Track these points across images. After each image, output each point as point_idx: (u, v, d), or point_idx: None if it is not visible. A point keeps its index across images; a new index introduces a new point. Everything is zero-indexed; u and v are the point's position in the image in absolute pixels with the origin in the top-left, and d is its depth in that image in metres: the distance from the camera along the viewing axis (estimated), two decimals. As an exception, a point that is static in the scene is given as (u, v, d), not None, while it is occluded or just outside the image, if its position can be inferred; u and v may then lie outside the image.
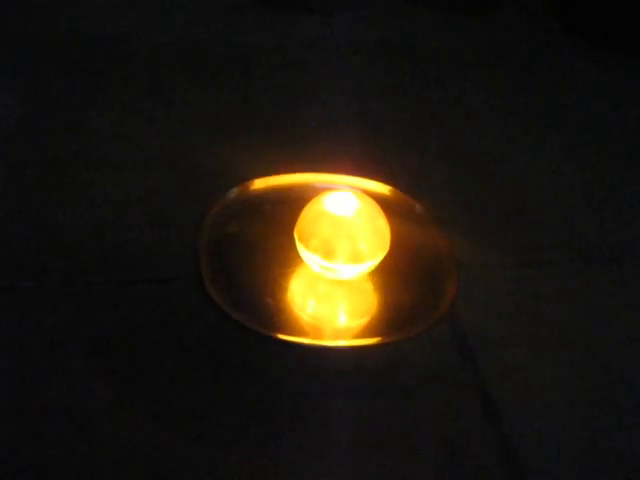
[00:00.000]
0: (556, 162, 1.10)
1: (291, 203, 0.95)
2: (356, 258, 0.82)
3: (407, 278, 0.88)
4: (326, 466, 0.73)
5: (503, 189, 1.04)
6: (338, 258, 0.82)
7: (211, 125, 1.11)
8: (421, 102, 1.18)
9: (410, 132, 1.11)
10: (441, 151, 1.09)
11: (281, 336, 0.80)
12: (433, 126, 1.14)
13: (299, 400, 0.77)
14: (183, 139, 1.08)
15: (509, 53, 1.33)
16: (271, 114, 1.14)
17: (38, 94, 1.13)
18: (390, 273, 0.87)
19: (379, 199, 0.93)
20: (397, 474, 0.73)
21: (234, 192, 0.94)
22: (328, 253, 0.82)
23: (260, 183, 0.96)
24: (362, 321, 0.84)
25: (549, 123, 1.18)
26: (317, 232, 0.82)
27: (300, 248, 0.84)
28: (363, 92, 1.20)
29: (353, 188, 0.96)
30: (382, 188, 0.96)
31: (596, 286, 0.92)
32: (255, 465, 0.72)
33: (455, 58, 1.31)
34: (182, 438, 0.73)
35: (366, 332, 0.83)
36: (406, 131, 1.11)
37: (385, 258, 0.85)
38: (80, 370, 0.78)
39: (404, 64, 1.27)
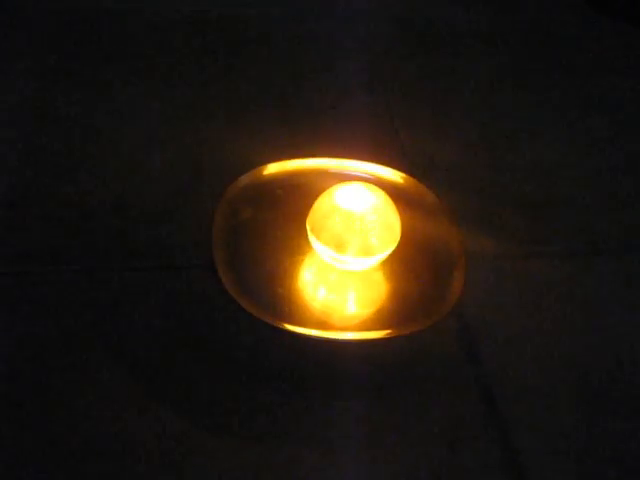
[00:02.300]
0: (575, 147, 1.09)
1: (304, 188, 0.96)
2: (366, 251, 0.83)
3: (417, 268, 0.89)
4: (329, 458, 0.75)
5: (518, 175, 1.03)
6: (349, 251, 0.83)
7: (225, 106, 1.11)
8: (436, 79, 1.17)
9: (424, 112, 1.11)
10: (456, 133, 1.08)
11: (290, 327, 0.81)
12: (448, 105, 1.13)
13: (305, 392, 0.79)
14: (196, 121, 1.08)
15: (528, 29, 1.31)
16: (284, 91, 1.13)
17: (51, 72, 1.13)
18: (400, 263, 0.88)
19: (391, 187, 0.95)
20: (398, 468, 0.75)
21: (248, 177, 0.95)
22: (339, 246, 0.83)
23: (273, 168, 0.97)
24: (370, 313, 0.86)
25: (568, 105, 1.16)
26: (329, 226, 0.83)
27: (312, 239, 0.85)
28: (377, 68, 1.19)
29: (366, 176, 0.97)
30: (395, 175, 0.97)
31: (607, 280, 0.92)
32: (258, 456, 0.74)
33: (473, 33, 1.29)
34: (187, 426, 0.75)
35: (374, 324, 0.84)
36: (420, 111, 1.11)
37: (396, 248, 0.86)
38: (86, 357, 0.80)
39: (420, 39, 1.26)
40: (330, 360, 0.81)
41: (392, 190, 0.94)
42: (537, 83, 1.20)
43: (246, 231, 0.91)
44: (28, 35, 1.19)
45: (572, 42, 1.31)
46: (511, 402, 0.80)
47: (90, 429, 0.74)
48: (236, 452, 0.74)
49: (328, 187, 0.92)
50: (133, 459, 0.73)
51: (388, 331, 0.82)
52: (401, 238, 0.86)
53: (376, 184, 0.95)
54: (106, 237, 0.90)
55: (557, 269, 0.93)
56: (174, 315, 0.84)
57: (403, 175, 0.97)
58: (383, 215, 0.84)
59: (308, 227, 0.85)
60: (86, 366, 0.79)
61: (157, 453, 0.73)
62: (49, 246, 0.89)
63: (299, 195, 0.94)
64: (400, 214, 0.87)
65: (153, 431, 0.75)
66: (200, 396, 0.78)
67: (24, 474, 0.71)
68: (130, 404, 0.76)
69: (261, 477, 0.73)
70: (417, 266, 0.89)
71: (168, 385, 0.79)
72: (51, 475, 0.71)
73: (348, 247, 0.83)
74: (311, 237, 0.85)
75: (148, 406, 0.77)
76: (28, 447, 0.72)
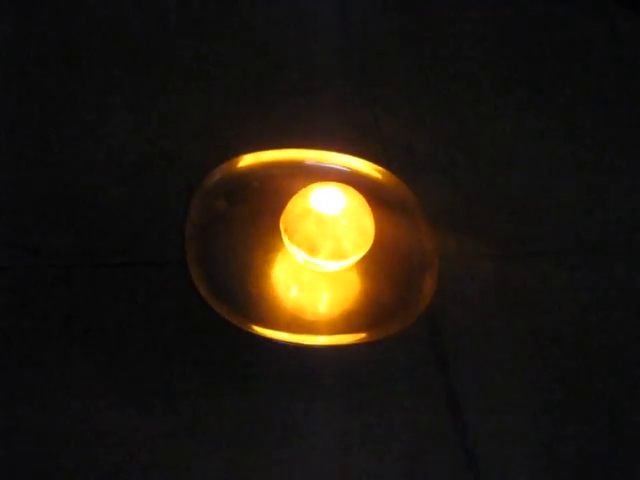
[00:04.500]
0: (558, 144, 1.07)
1: (280, 180, 0.95)
2: (339, 255, 0.83)
3: (390, 270, 0.89)
4: (294, 461, 0.76)
5: (499, 171, 1.01)
6: (321, 254, 0.83)
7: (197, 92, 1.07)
8: (421, 67, 1.14)
9: (405, 101, 1.09)
10: (437, 125, 1.06)
11: (260, 329, 0.81)
12: (429, 96, 1.10)
13: (272, 396, 0.79)
14: (168, 110, 1.04)
15: (519, 16, 1.26)
16: (260, 76, 1.10)
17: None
18: (373, 263, 0.88)
19: (368, 182, 0.94)
20: (364, 474, 0.76)
21: (222, 168, 0.93)
22: (312, 250, 0.82)
23: (249, 159, 0.95)
24: (341, 314, 0.85)
25: (555, 98, 1.13)
26: (302, 228, 0.82)
27: (285, 239, 0.84)
28: (361, 51, 1.16)
29: (343, 169, 0.96)
30: (372, 169, 0.96)
31: (590, 281, 0.92)
32: (222, 460, 0.75)
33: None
34: (155, 426, 0.76)
35: (344, 326, 0.84)
36: (402, 99, 1.09)
37: (370, 248, 0.85)
38: (61, 350, 0.80)
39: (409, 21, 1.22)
40: (298, 363, 0.82)
41: (368, 185, 0.94)
42: (530, 74, 1.16)
43: (220, 226, 0.90)
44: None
45: (561, 31, 1.26)
46: (476, 411, 0.80)
47: (59, 421, 0.75)
48: (199, 455, 0.75)
49: (304, 180, 0.91)
50: (101, 453, 0.74)
51: (359, 336, 0.82)
52: (375, 237, 0.85)
53: (353, 178, 0.95)
54: (76, 231, 0.89)
55: (535, 270, 0.92)
56: (144, 313, 0.84)
57: (381, 169, 0.96)
58: (357, 219, 0.83)
59: (282, 227, 0.84)
60: (56, 361, 0.79)
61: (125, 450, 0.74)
62: (20, 239, 0.88)
63: (275, 187, 0.93)
64: (375, 213, 0.86)
65: (121, 427, 0.75)
66: (165, 396, 0.78)
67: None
68: (98, 399, 0.77)
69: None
70: (390, 267, 0.89)
71: (135, 385, 0.79)
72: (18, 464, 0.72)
73: (320, 250, 0.82)
74: (284, 237, 0.84)
75: (117, 402, 0.77)
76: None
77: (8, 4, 1.10)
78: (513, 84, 1.13)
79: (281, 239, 0.86)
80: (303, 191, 0.85)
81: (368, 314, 0.85)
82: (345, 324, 0.84)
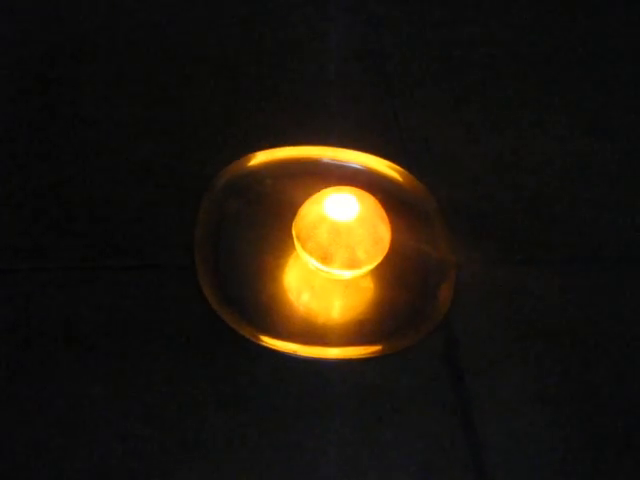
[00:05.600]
0: (582, 144, 1.02)
1: (294, 179, 0.91)
2: (352, 265, 0.80)
3: (405, 277, 0.86)
4: (304, 477, 0.74)
5: (521, 174, 0.97)
6: (334, 264, 0.80)
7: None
8: (440, 54, 1.09)
9: (426, 95, 1.04)
10: (456, 118, 1.02)
11: (269, 340, 0.79)
12: (451, 85, 1.06)
13: (277, 409, 0.77)
14: (177, 105, 0.99)
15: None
16: (273, 66, 1.05)
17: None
18: (389, 270, 0.85)
19: (384, 183, 0.91)
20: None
21: (234, 166, 0.90)
22: (324, 258, 0.79)
23: (262, 157, 0.92)
24: (355, 325, 0.83)
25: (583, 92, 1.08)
26: (315, 236, 0.79)
27: (297, 246, 0.81)
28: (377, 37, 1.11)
29: (360, 167, 0.92)
30: (390, 168, 0.92)
31: (608, 290, 0.89)
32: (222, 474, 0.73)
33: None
34: (155, 439, 0.74)
35: (358, 337, 0.81)
36: (423, 93, 1.04)
37: (385, 254, 0.82)
38: (60, 356, 0.78)
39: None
40: (307, 376, 0.79)
41: (385, 186, 0.91)
42: (555, 73, 1.11)
43: (230, 227, 0.87)
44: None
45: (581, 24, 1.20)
46: (492, 428, 0.78)
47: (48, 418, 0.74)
48: (199, 470, 0.73)
49: (320, 179, 0.88)
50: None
51: (372, 349, 0.80)
52: (391, 243, 0.82)
53: (369, 177, 0.91)
54: (79, 233, 0.86)
55: (555, 278, 0.89)
56: (147, 318, 0.81)
57: (399, 169, 0.93)
58: (372, 226, 0.80)
59: (294, 233, 0.81)
60: (58, 364, 0.77)
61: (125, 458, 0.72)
62: (25, 241, 0.85)
63: (289, 187, 0.90)
64: (391, 216, 0.83)
65: (122, 434, 0.73)
66: (167, 407, 0.76)
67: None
68: (98, 405, 0.75)
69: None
70: (406, 275, 0.86)
71: (136, 395, 0.76)
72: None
73: (333, 259, 0.79)
74: (297, 243, 0.81)
75: (117, 409, 0.75)
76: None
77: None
78: (536, 76, 1.08)
79: (293, 242, 0.83)
80: (317, 196, 0.81)
81: (382, 323, 0.83)
82: (358, 334, 0.82)
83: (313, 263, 0.81)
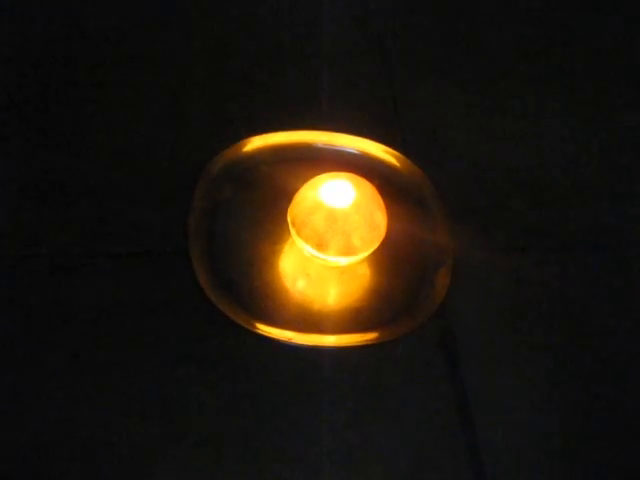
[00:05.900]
0: (584, 130, 1.00)
1: (290, 164, 0.90)
2: (348, 251, 0.79)
3: (402, 265, 0.85)
4: (297, 468, 0.73)
5: (522, 159, 0.96)
6: (330, 250, 0.79)
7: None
8: (441, 41, 1.07)
9: (426, 79, 1.03)
10: (456, 103, 1.00)
11: (264, 327, 0.78)
12: (452, 70, 1.04)
13: (273, 395, 0.76)
14: (171, 92, 0.97)
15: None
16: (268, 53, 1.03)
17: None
18: (386, 257, 0.84)
19: (381, 168, 0.90)
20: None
21: (229, 152, 0.89)
22: (320, 245, 0.78)
23: (257, 142, 0.91)
24: (351, 312, 0.82)
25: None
26: (310, 223, 0.78)
27: (293, 232, 0.81)
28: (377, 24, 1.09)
29: (356, 152, 0.91)
30: (387, 153, 0.91)
31: (606, 278, 0.88)
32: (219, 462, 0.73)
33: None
34: (152, 427, 0.74)
35: (354, 325, 0.81)
36: (420, 75, 1.03)
37: (382, 241, 0.81)
38: (58, 343, 0.77)
39: None
40: (304, 363, 0.78)
41: (382, 171, 0.90)
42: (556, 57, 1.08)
43: (226, 213, 0.86)
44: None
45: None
46: (487, 417, 0.77)
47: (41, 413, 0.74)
48: (195, 459, 0.72)
49: (315, 164, 0.87)
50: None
51: (368, 336, 0.79)
52: (388, 229, 0.81)
53: (366, 163, 0.90)
54: (75, 220, 0.85)
55: (554, 266, 0.88)
56: (142, 305, 0.80)
57: (396, 154, 0.91)
58: (368, 213, 0.79)
59: (289, 219, 0.80)
60: (49, 356, 0.77)
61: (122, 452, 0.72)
62: (18, 228, 0.84)
63: (284, 172, 0.89)
64: (388, 202, 0.82)
65: (119, 429, 0.73)
66: (163, 397, 0.75)
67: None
68: (96, 397, 0.75)
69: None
70: (402, 262, 0.85)
71: (133, 385, 0.76)
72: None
73: (329, 246, 0.78)
74: (292, 230, 0.80)
75: (114, 401, 0.74)
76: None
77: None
78: (539, 61, 1.07)
79: (289, 229, 0.82)
80: (312, 182, 0.80)
81: (378, 311, 0.82)
82: (353, 321, 0.81)
83: (308, 250, 0.80)
